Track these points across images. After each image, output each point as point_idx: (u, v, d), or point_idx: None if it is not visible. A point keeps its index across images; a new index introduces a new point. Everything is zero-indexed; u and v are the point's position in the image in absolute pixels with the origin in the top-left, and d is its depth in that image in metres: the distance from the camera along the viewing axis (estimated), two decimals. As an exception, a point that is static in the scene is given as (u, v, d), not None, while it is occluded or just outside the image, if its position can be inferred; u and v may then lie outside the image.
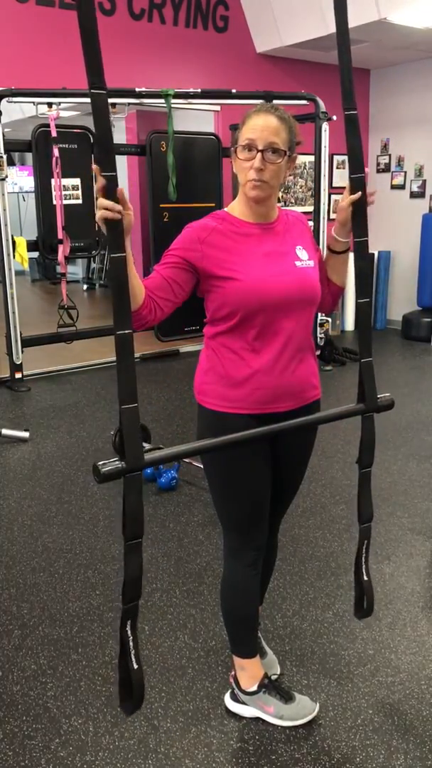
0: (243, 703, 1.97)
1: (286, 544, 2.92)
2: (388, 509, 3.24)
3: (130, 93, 5.21)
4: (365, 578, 1.88)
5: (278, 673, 2.09)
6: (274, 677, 1.99)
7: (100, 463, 1.38)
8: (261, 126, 1.63)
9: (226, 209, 1.78)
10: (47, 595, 2.58)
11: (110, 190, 1.34)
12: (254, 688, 1.94)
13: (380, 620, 2.40)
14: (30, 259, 5.98)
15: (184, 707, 2.01)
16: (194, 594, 2.57)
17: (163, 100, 5.28)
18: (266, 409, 1.73)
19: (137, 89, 5.21)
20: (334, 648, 2.26)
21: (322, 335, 6.14)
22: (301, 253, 1.76)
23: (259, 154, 1.62)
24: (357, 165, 1.68)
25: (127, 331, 1.38)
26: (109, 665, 2.18)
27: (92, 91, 1.29)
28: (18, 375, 5.37)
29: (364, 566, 1.87)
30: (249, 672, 1.96)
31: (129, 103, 5.46)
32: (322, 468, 3.73)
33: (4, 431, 4.18)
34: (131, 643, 1.49)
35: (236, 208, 1.75)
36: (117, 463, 1.39)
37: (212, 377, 1.76)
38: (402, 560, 2.81)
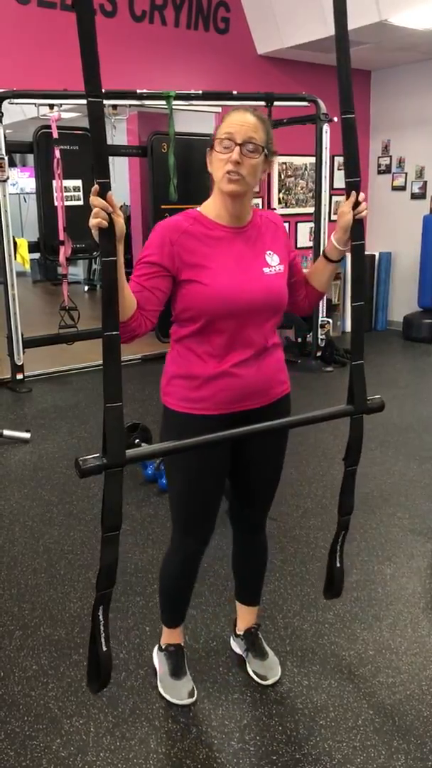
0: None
1: (287, 545, 2.93)
2: (389, 510, 3.24)
3: (131, 94, 5.22)
4: (338, 565, 1.95)
5: (277, 677, 2.11)
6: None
7: (81, 458, 1.42)
8: (240, 121, 1.65)
9: (198, 209, 1.77)
10: (48, 595, 2.58)
11: (103, 196, 1.37)
12: (162, 645, 2.12)
13: (381, 621, 2.41)
14: (31, 260, 5.98)
15: (185, 708, 2.01)
16: (195, 595, 2.55)
17: (164, 102, 5.28)
18: (232, 409, 1.76)
19: (138, 91, 5.22)
20: (334, 649, 2.27)
21: (323, 336, 6.15)
22: (271, 258, 1.76)
23: (238, 148, 1.63)
24: (353, 169, 1.68)
25: (114, 333, 1.45)
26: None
27: (89, 99, 1.31)
28: (19, 376, 5.37)
29: (338, 554, 1.94)
30: (165, 634, 2.12)
31: (130, 105, 5.46)
32: (323, 469, 3.73)
33: (6, 432, 4.18)
34: (102, 627, 1.57)
35: (210, 208, 1.75)
36: (98, 458, 1.41)
37: (176, 379, 1.79)
38: (403, 561, 2.81)
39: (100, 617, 1.56)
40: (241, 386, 1.74)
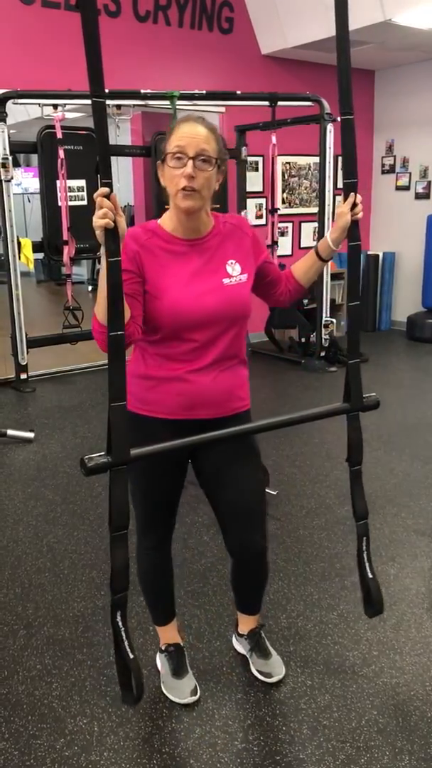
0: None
1: (290, 545, 2.92)
2: (392, 510, 3.24)
3: (135, 94, 5.22)
4: (370, 576, 1.90)
5: (281, 675, 2.10)
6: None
7: (87, 456, 1.42)
8: (190, 133, 1.62)
9: (158, 221, 1.76)
10: (52, 595, 2.59)
11: (108, 196, 1.38)
12: (162, 647, 2.13)
13: (385, 621, 2.40)
14: (35, 260, 5.99)
15: (189, 707, 2.01)
16: (199, 595, 2.58)
17: (168, 102, 5.28)
18: (184, 416, 1.76)
19: (142, 91, 5.22)
20: (338, 649, 2.27)
21: (327, 336, 6.14)
22: (232, 268, 1.75)
23: (190, 161, 1.61)
24: (351, 170, 1.69)
25: (119, 332, 1.43)
26: (114, 665, 2.18)
27: (93, 99, 1.31)
28: (23, 376, 5.39)
29: (367, 563, 1.89)
30: (161, 635, 2.14)
31: (134, 105, 5.46)
32: (326, 469, 3.73)
33: (10, 432, 4.19)
34: (123, 634, 1.53)
35: (167, 221, 1.74)
36: (104, 456, 1.42)
37: (135, 380, 1.78)
38: (406, 561, 2.81)
39: (120, 623, 1.51)
40: (194, 393, 1.74)
